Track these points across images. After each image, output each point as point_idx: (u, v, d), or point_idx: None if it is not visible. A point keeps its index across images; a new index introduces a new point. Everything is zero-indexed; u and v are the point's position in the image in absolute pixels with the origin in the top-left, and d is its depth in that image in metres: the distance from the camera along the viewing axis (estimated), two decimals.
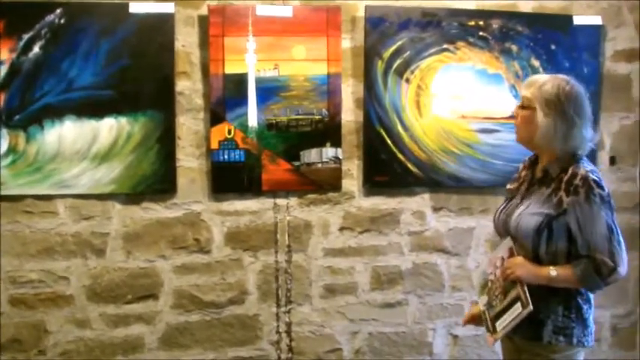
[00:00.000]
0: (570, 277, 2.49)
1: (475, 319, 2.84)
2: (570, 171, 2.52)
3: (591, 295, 2.62)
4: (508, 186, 2.83)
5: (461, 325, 3.12)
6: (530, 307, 2.46)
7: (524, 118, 2.60)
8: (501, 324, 2.57)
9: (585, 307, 2.59)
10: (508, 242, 2.63)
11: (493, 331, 2.62)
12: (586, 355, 2.66)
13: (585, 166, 2.54)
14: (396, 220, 3.88)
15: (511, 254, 2.59)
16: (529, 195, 2.64)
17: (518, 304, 2.50)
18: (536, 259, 2.55)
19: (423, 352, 3.95)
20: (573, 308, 2.57)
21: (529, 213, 2.56)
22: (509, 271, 2.54)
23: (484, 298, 2.73)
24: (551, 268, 2.51)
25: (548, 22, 3.91)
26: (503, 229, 2.70)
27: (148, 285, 3.64)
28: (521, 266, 2.53)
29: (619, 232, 2.52)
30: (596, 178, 2.50)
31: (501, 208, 2.75)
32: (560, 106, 2.53)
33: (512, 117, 3.77)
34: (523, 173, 2.77)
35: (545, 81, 2.58)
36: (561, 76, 2.63)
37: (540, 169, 2.65)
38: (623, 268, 2.49)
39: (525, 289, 2.49)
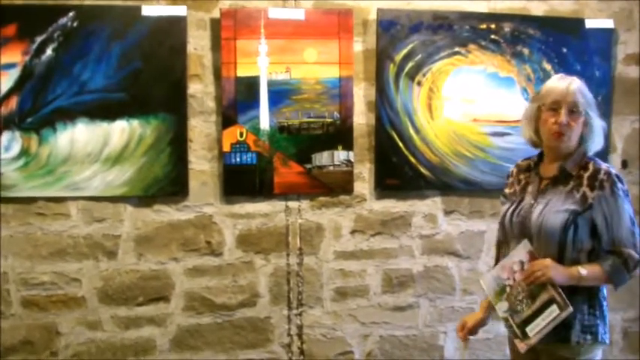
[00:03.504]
0: (599, 275, 2.50)
1: (477, 326, 2.89)
2: (592, 167, 2.57)
3: (605, 291, 2.64)
4: (506, 190, 2.83)
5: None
6: (570, 308, 2.46)
7: (579, 123, 2.60)
8: (534, 328, 2.54)
9: (605, 303, 2.62)
10: (525, 246, 2.59)
11: (523, 336, 2.58)
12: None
13: (602, 163, 2.61)
14: (408, 223, 3.88)
15: (532, 257, 2.56)
16: (543, 194, 2.63)
17: (554, 307, 2.49)
18: (560, 258, 2.54)
19: (434, 355, 3.95)
20: (597, 305, 2.58)
21: (552, 211, 2.55)
22: (540, 273, 2.50)
23: (503, 305, 2.66)
24: (579, 267, 2.50)
25: (559, 25, 3.91)
26: (518, 232, 2.65)
27: (160, 287, 3.64)
28: (552, 267, 2.49)
29: (637, 224, 2.57)
30: (617, 173, 2.57)
31: (511, 211, 2.71)
32: (596, 105, 2.65)
33: None
34: (522, 176, 2.77)
35: (579, 85, 2.62)
36: (572, 76, 2.69)
37: (555, 168, 2.64)
38: None
39: (560, 290, 2.48)
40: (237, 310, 3.72)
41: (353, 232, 3.82)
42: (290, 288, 3.77)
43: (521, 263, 2.59)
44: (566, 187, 2.59)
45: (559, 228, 2.53)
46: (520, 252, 2.61)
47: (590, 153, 2.65)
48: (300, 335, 3.80)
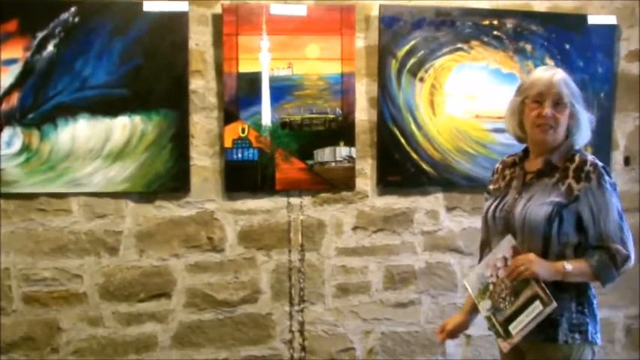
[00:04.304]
0: (585, 270, 2.43)
1: (457, 330, 2.83)
2: (578, 158, 2.51)
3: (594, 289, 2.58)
4: (490, 187, 2.77)
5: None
6: (554, 303, 2.39)
7: (565, 115, 2.53)
8: (517, 326, 2.47)
9: (595, 301, 2.55)
10: (509, 241, 2.51)
11: (507, 335, 2.51)
12: (599, 355, 2.62)
13: (589, 154, 2.56)
14: (410, 219, 3.87)
15: (516, 252, 2.48)
16: (528, 188, 2.56)
17: (537, 303, 2.42)
18: (544, 253, 2.46)
19: (435, 352, 3.94)
20: (586, 303, 2.51)
21: (537, 204, 2.48)
22: (523, 267, 2.42)
23: (486, 303, 2.58)
24: (565, 262, 2.43)
25: (562, 21, 3.91)
26: (503, 226, 2.57)
27: (161, 283, 3.64)
28: (536, 262, 2.42)
29: (625, 219, 2.51)
30: (604, 165, 2.52)
31: (494, 206, 2.63)
32: (582, 98, 2.59)
33: None
34: (507, 172, 2.71)
35: (563, 76, 2.56)
36: (556, 68, 2.68)
37: (540, 162, 2.57)
38: (633, 256, 2.47)
39: (543, 285, 2.41)
40: (238, 306, 3.72)
41: (355, 228, 3.82)
42: (292, 284, 3.77)
43: (505, 259, 2.52)
44: (552, 179, 2.52)
45: (543, 220, 2.45)
46: (503, 248, 2.53)
47: (578, 146, 2.59)
48: (301, 332, 3.80)
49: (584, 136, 2.59)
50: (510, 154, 2.79)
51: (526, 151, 2.68)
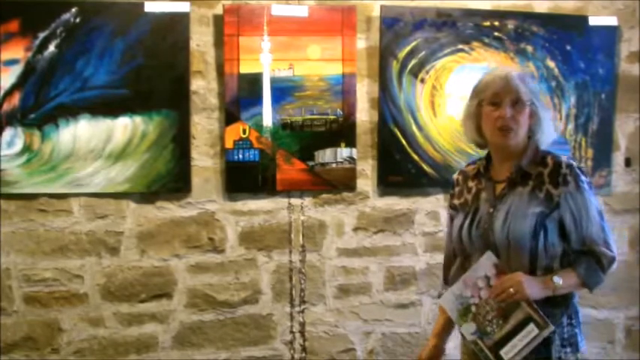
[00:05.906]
0: (574, 280, 2.34)
1: (434, 356, 2.65)
2: (550, 161, 2.39)
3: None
4: (455, 201, 2.61)
5: None
6: (551, 326, 2.29)
7: (525, 115, 2.39)
8: (510, 350, 2.33)
9: (579, 308, 2.47)
10: (489, 258, 2.36)
11: None
12: (599, 356, 2.59)
13: (560, 155, 2.44)
14: (410, 220, 3.87)
15: (500, 270, 2.34)
16: (502, 200, 2.41)
17: (532, 326, 2.30)
18: (531, 268, 2.35)
19: None
20: (573, 314, 2.43)
21: (518, 217, 2.35)
22: (513, 290, 2.29)
23: (470, 326, 2.41)
24: (554, 276, 2.32)
25: (563, 22, 3.90)
26: (481, 244, 2.42)
27: (162, 284, 3.64)
28: (525, 283, 2.29)
29: (605, 218, 2.43)
30: (578, 165, 2.42)
31: (468, 223, 2.47)
32: (540, 94, 2.53)
33: None
34: (471, 184, 2.55)
35: (520, 73, 2.48)
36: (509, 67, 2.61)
37: (507, 169, 2.43)
38: (617, 256, 2.38)
39: (536, 307, 2.30)
40: (239, 307, 3.72)
41: (356, 229, 3.82)
42: (292, 285, 3.77)
43: (487, 278, 2.37)
44: (526, 187, 2.38)
45: (528, 234, 2.33)
46: (484, 265, 2.38)
47: (543, 146, 2.45)
48: (302, 332, 3.80)
49: (547, 134, 2.46)
50: (469, 162, 2.68)
51: (489, 158, 2.53)
